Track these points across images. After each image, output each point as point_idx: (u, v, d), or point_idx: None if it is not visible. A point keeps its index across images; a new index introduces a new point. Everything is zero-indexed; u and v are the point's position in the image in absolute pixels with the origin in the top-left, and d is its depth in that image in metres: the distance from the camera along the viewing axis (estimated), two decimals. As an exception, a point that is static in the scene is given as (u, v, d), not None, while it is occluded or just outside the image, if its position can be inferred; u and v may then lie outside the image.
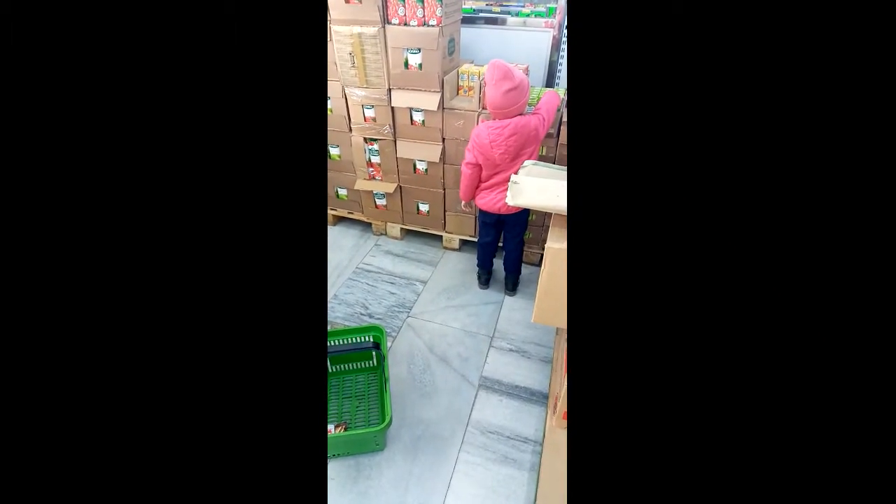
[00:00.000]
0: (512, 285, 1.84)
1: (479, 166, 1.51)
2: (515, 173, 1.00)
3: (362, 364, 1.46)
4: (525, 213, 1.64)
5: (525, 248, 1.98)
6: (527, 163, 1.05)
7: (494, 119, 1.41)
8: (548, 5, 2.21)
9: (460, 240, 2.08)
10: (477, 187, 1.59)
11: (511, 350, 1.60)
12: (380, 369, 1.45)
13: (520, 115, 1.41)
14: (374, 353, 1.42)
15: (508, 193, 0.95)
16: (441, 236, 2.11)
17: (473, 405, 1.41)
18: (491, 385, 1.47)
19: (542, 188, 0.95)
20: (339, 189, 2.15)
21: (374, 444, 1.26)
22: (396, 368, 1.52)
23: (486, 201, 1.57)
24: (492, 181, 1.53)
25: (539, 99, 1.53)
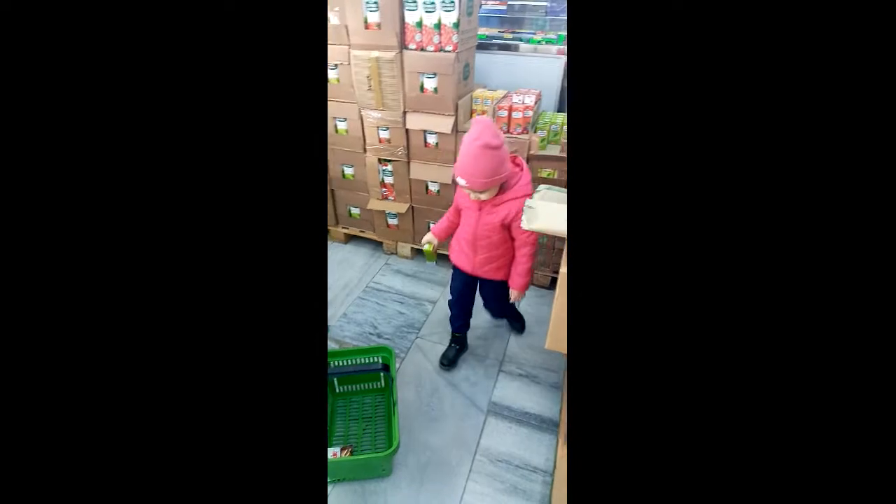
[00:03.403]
0: (519, 328, 1.75)
1: None
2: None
3: (370, 385, 1.44)
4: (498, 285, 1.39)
5: (535, 272, 1.96)
6: (541, 187, 1.05)
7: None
8: (558, 33, 2.26)
9: (470, 261, 2.08)
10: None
11: (521, 375, 1.57)
12: (388, 391, 1.43)
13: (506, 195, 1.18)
14: (382, 374, 1.40)
15: (524, 217, 0.94)
16: (451, 257, 2.11)
17: (482, 431, 1.37)
18: (500, 411, 1.44)
19: (556, 213, 0.94)
20: (351, 208, 2.17)
21: (380, 470, 1.23)
22: (403, 391, 1.49)
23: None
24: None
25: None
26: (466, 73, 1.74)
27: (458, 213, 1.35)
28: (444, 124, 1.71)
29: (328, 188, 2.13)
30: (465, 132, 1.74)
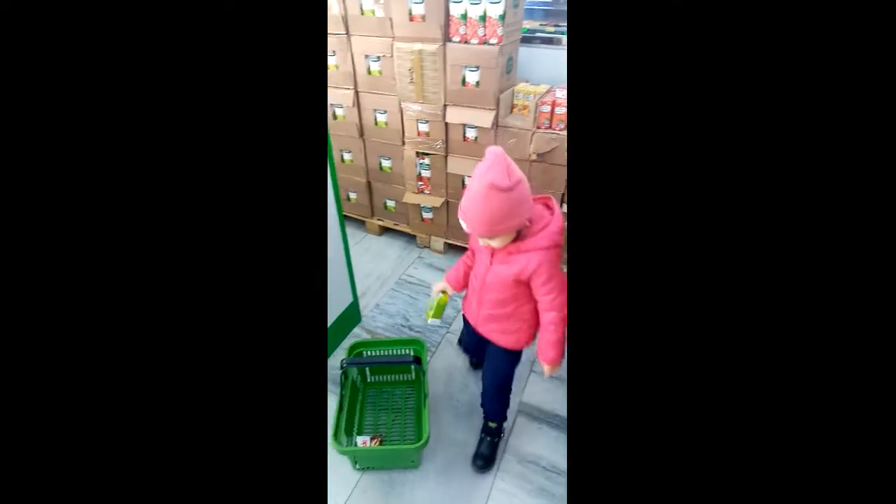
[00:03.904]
0: (486, 449, 1.25)
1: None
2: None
3: (400, 377, 1.46)
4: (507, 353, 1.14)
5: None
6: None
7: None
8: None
9: (504, 258, 2.05)
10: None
11: (552, 377, 1.54)
12: (418, 384, 1.44)
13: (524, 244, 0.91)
14: (413, 367, 1.41)
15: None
16: (484, 253, 2.09)
17: (511, 431, 1.36)
18: (530, 412, 1.42)
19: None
20: (387, 200, 2.19)
21: (409, 461, 1.24)
22: (433, 385, 1.50)
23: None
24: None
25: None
26: (510, 66, 1.70)
27: (475, 256, 1.11)
28: (485, 118, 1.69)
29: (366, 180, 2.16)
30: (505, 127, 1.72)
